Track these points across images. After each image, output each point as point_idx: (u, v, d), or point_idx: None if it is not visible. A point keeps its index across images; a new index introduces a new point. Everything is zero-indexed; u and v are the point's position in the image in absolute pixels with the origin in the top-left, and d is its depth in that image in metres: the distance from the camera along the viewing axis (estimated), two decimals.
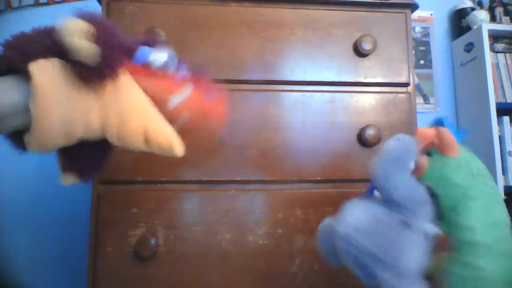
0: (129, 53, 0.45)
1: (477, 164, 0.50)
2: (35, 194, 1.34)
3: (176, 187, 0.77)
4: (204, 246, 0.75)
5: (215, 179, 0.78)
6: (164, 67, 0.46)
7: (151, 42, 0.49)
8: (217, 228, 0.76)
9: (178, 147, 0.45)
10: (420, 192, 0.47)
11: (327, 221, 0.55)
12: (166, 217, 0.75)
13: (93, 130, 0.42)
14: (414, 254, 0.44)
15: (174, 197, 0.76)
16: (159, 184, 0.77)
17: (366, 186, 0.82)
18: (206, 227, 0.75)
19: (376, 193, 0.54)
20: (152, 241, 0.72)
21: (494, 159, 1.40)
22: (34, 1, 1.44)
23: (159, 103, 0.45)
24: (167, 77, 0.46)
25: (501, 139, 1.47)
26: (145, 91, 0.45)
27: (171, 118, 0.46)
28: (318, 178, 0.80)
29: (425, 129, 0.53)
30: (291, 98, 0.82)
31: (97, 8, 0.81)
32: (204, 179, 0.77)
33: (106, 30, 0.40)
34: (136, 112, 0.42)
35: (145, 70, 0.45)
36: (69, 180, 0.48)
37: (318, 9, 0.84)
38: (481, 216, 0.45)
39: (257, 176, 0.78)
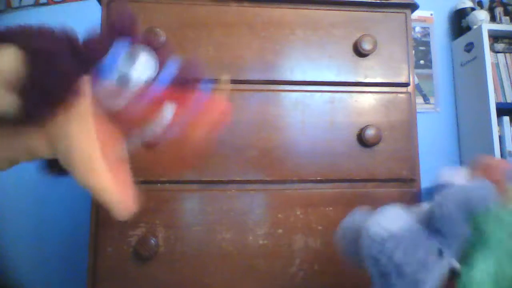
0: (96, 62, 0.38)
1: None
2: (35, 194, 1.34)
3: (176, 187, 0.77)
4: (204, 246, 0.75)
5: (215, 179, 0.78)
6: (138, 80, 0.38)
7: (125, 31, 0.40)
8: (217, 228, 0.76)
9: (118, 210, 0.39)
10: (462, 227, 0.46)
11: (354, 216, 0.53)
12: (166, 217, 0.75)
13: (42, 155, 0.38)
14: (435, 283, 0.44)
15: (174, 197, 0.76)
16: (159, 184, 0.77)
17: (366, 186, 0.82)
18: (206, 227, 0.75)
19: (424, 205, 0.52)
20: (152, 241, 0.72)
21: None
22: (34, 1, 1.44)
23: (135, 124, 0.40)
24: (142, 97, 0.39)
25: (501, 139, 1.47)
26: (114, 112, 0.39)
27: (156, 138, 0.42)
28: (318, 178, 0.80)
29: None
30: (291, 98, 0.82)
31: (97, 8, 0.81)
32: (204, 179, 0.77)
33: (45, 60, 0.33)
34: (80, 163, 0.36)
35: (114, 89, 0.38)
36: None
37: (318, 9, 0.84)
38: (488, 267, 0.45)
39: (257, 176, 0.78)
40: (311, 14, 0.84)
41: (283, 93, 0.82)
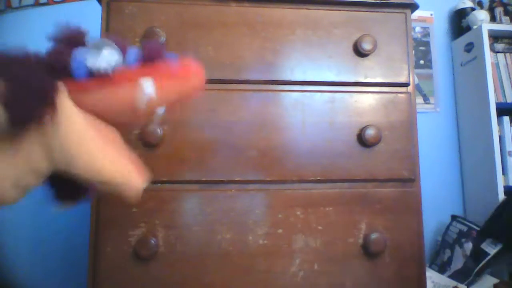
0: (65, 68, 0.40)
1: None
2: (35, 194, 1.34)
3: (176, 187, 0.77)
4: (204, 246, 0.75)
5: (215, 179, 0.78)
6: (109, 67, 0.40)
7: (79, 38, 0.42)
8: (217, 228, 0.76)
9: (136, 181, 0.39)
10: None
11: None
12: (166, 217, 0.75)
13: (43, 172, 0.38)
14: None
15: (174, 197, 0.76)
16: (159, 184, 0.77)
17: (366, 186, 0.82)
18: (206, 227, 0.75)
19: None
20: (152, 241, 0.72)
21: (494, 159, 1.40)
22: (34, 1, 1.44)
23: (123, 112, 0.41)
24: (118, 80, 0.40)
25: (501, 139, 1.47)
26: (100, 107, 0.40)
27: (145, 118, 0.43)
28: (318, 178, 0.80)
29: None
30: (291, 98, 0.82)
31: (97, 8, 0.81)
32: (204, 179, 0.77)
33: (20, 76, 0.35)
34: (82, 152, 0.37)
35: (90, 83, 0.39)
36: (63, 206, 0.45)
37: (318, 9, 0.84)
38: None
39: (257, 176, 0.78)
40: (311, 14, 0.84)
41: (283, 93, 0.82)
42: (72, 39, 0.42)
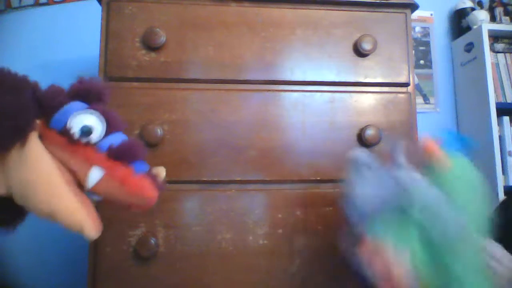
0: (48, 113, 0.40)
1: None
2: None
3: (176, 187, 0.77)
4: (204, 246, 0.75)
5: (215, 179, 0.78)
6: (83, 137, 0.40)
7: (86, 95, 0.43)
8: (217, 228, 0.76)
9: (88, 230, 0.39)
10: None
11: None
12: (166, 217, 0.75)
13: None
14: None
15: (174, 197, 0.76)
16: None
17: None
18: (206, 227, 0.75)
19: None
20: (152, 241, 0.72)
21: (494, 159, 1.40)
22: (34, 1, 1.44)
23: (74, 175, 0.41)
24: (82, 151, 0.40)
25: (501, 139, 1.47)
26: (60, 161, 0.40)
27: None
28: (318, 178, 0.80)
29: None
30: (291, 98, 0.82)
31: (97, 8, 0.81)
32: (204, 179, 0.77)
33: (6, 90, 0.36)
34: (40, 190, 0.38)
35: (61, 138, 0.40)
36: None
37: (318, 9, 0.84)
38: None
39: (257, 176, 0.78)
40: (311, 14, 0.84)
41: (283, 93, 0.82)
42: (82, 92, 0.43)
